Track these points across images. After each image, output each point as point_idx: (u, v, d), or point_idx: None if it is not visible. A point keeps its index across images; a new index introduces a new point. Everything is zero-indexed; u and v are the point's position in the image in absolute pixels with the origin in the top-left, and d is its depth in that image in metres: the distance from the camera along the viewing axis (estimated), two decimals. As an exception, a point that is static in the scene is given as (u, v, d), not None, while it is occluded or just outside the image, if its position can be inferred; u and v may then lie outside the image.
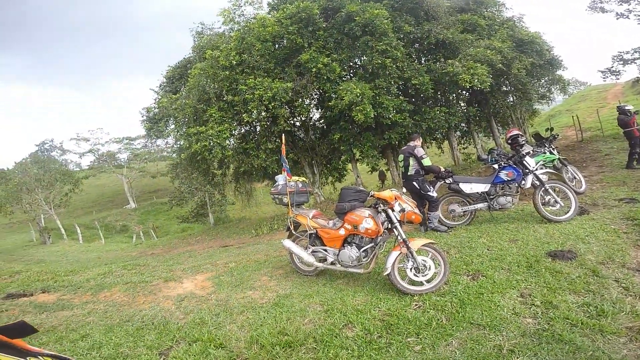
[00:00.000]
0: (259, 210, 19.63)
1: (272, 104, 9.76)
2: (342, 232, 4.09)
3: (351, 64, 12.12)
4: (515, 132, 6.39)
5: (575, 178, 6.42)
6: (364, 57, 11.06)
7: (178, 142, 12.83)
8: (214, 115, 10.06)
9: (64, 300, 4.51)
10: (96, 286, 4.97)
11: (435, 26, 11.55)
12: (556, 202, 5.05)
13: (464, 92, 15.44)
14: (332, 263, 4.19)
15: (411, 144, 5.79)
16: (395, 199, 3.80)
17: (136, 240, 21.75)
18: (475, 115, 15.36)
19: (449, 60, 10.84)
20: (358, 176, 14.07)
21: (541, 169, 5.56)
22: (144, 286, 4.81)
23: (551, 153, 6.53)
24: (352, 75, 12.13)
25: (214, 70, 10.29)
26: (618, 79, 14.21)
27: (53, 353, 1.08)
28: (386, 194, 3.81)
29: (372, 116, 9.92)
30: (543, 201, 5.09)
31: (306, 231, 4.47)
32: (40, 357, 0.98)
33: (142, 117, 13.23)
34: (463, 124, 16.19)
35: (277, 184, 4.75)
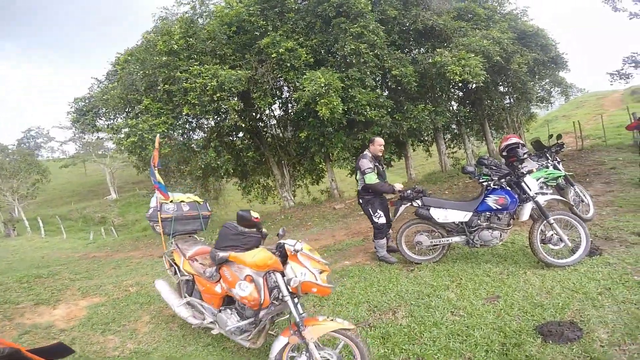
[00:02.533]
0: (228, 211, 18.05)
1: (218, 95, 8.16)
2: (218, 289, 2.58)
3: (324, 51, 10.45)
4: (514, 139, 4.72)
5: (582, 201, 4.87)
6: (338, 43, 9.43)
7: (109, 136, 11.09)
8: (149, 107, 8.48)
9: None
10: (-39, 305, 4.25)
11: (425, 11, 9.95)
12: (560, 240, 3.55)
13: (456, 89, 13.93)
14: (212, 322, 2.76)
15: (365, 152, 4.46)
16: (290, 260, 2.22)
17: (94, 237, 20.31)
18: (466, 117, 13.84)
19: (437, 50, 9.26)
20: (333, 179, 12.46)
21: (541, 190, 4.01)
22: (7, 308, 4.20)
23: (556, 168, 4.91)
24: (323, 63, 10.50)
25: (149, 56, 8.68)
26: (627, 82, 12.93)
27: None
28: (247, 258, 2.27)
29: (341, 111, 8.35)
30: (543, 237, 3.57)
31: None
32: None
33: (71, 107, 11.30)
34: (453, 126, 14.68)
35: (150, 206, 3.31)
